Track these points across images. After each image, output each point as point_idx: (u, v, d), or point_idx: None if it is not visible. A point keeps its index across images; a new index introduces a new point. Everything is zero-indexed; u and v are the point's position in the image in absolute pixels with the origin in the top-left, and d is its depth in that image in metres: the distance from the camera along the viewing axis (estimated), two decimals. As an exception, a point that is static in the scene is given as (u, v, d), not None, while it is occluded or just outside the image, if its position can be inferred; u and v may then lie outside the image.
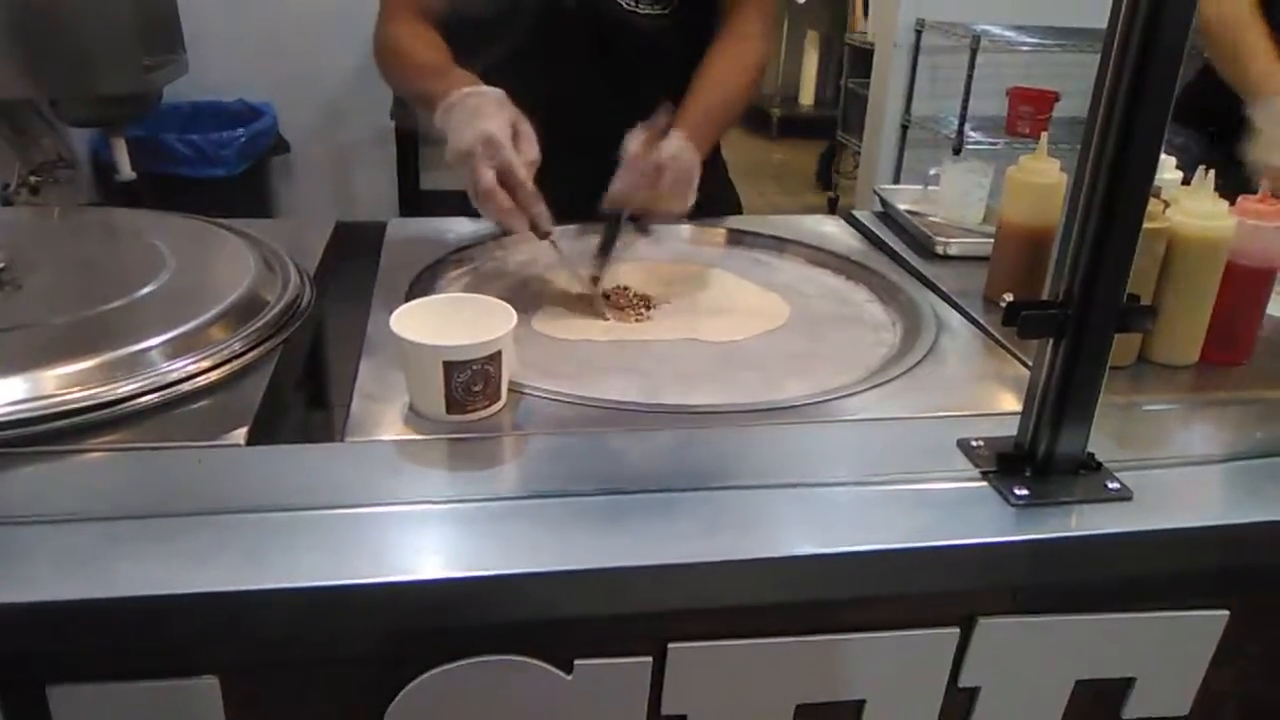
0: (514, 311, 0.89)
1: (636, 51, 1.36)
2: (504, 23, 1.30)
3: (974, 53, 3.54)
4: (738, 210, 1.61)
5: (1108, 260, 0.73)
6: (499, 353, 0.86)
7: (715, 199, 1.52)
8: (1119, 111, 0.70)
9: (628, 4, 1.34)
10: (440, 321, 0.88)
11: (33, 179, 2.00)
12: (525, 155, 1.08)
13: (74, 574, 0.66)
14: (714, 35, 1.39)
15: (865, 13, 5.05)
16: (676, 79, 1.34)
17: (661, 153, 1.17)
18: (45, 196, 1.97)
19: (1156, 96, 0.70)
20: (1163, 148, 0.72)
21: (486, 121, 1.07)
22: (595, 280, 1.17)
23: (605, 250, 1.19)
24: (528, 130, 1.10)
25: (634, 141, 1.19)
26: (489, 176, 1.05)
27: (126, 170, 2.09)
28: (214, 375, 0.90)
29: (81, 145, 3.26)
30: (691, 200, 1.22)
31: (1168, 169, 1.14)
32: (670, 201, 1.20)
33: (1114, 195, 0.72)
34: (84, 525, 0.70)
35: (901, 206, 1.46)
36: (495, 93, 1.13)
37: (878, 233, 1.43)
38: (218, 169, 3.33)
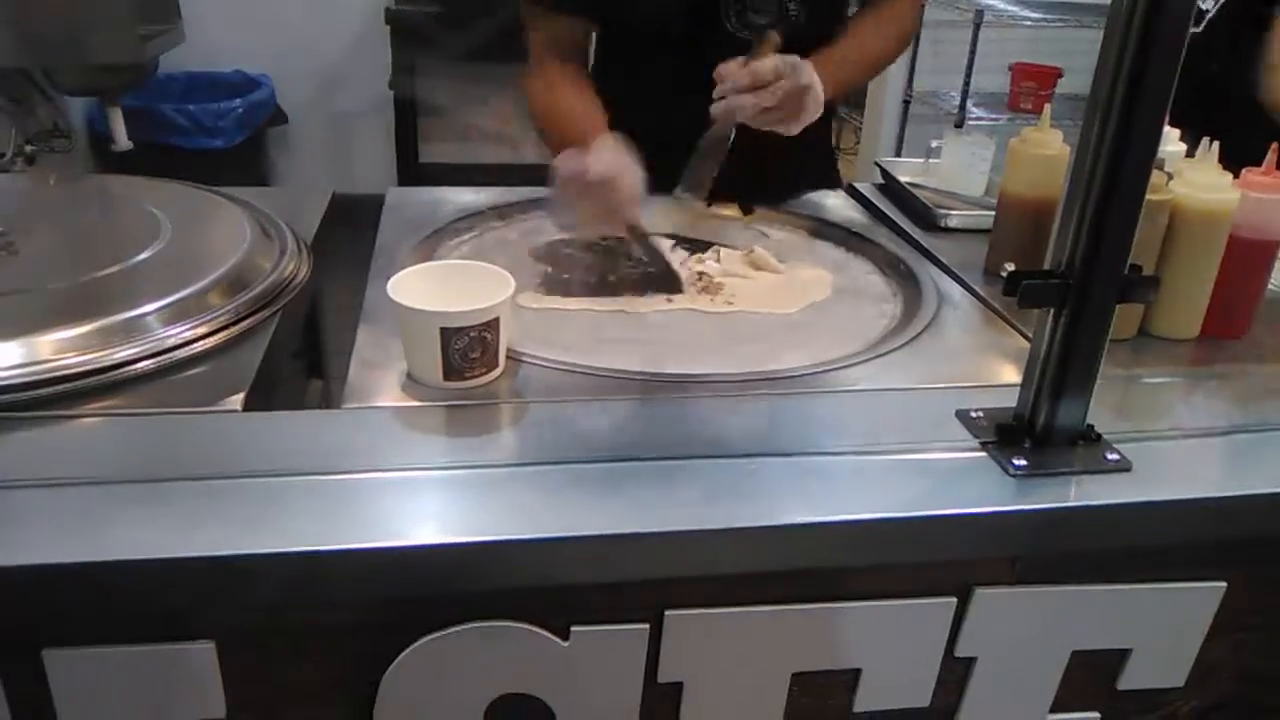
0: (512, 279, 0.89)
1: None
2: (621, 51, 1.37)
3: (977, 28, 3.52)
4: None
5: (1110, 230, 0.73)
6: (496, 319, 0.85)
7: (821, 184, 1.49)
8: (1124, 81, 0.70)
9: (736, 30, 1.29)
10: (438, 288, 0.88)
11: (29, 148, 1.98)
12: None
13: (70, 538, 0.66)
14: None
15: None
16: None
17: (777, 62, 1.15)
18: (41, 166, 1.95)
19: (1161, 67, 0.69)
20: (1166, 119, 0.72)
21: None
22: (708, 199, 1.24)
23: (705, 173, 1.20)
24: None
25: (730, 63, 1.17)
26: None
27: (123, 140, 2.07)
28: (211, 341, 0.90)
29: (78, 115, 3.24)
30: (813, 115, 1.19)
31: (1171, 141, 1.13)
32: (784, 115, 1.18)
33: (1118, 165, 0.71)
34: (80, 490, 0.70)
35: (903, 179, 1.46)
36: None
37: (879, 205, 1.43)
38: (215, 140, 3.31)
